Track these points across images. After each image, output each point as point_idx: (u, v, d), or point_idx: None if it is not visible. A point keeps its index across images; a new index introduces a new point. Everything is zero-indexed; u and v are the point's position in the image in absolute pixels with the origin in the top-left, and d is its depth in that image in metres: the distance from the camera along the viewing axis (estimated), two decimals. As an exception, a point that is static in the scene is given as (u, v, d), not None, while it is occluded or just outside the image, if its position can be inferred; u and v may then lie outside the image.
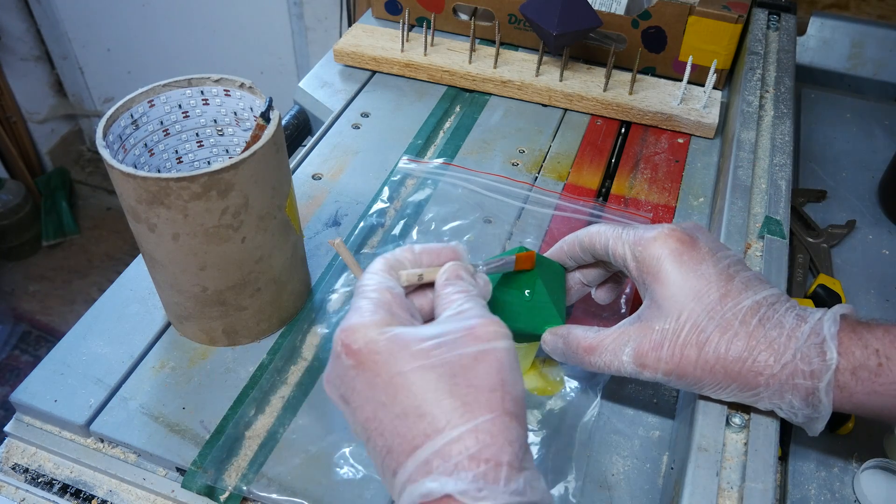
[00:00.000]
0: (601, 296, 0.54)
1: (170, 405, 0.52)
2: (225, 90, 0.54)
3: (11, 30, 1.94)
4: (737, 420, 0.44)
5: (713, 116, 0.77)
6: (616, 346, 0.45)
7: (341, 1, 1.55)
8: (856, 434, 0.53)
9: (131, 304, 0.59)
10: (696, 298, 0.42)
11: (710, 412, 0.45)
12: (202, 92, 0.54)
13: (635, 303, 0.60)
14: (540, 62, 0.81)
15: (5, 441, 0.53)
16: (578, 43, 0.83)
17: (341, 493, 0.47)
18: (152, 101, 0.52)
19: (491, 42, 0.87)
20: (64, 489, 0.50)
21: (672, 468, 0.48)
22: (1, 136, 1.96)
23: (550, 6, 0.75)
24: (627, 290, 0.61)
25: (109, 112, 0.49)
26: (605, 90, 0.80)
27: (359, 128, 0.78)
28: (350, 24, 1.51)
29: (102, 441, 0.51)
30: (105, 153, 0.46)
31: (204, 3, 1.74)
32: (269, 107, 0.50)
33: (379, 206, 0.68)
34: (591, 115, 0.81)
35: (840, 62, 0.93)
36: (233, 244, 0.49)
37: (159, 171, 0.48)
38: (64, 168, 2.18)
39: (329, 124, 0.78)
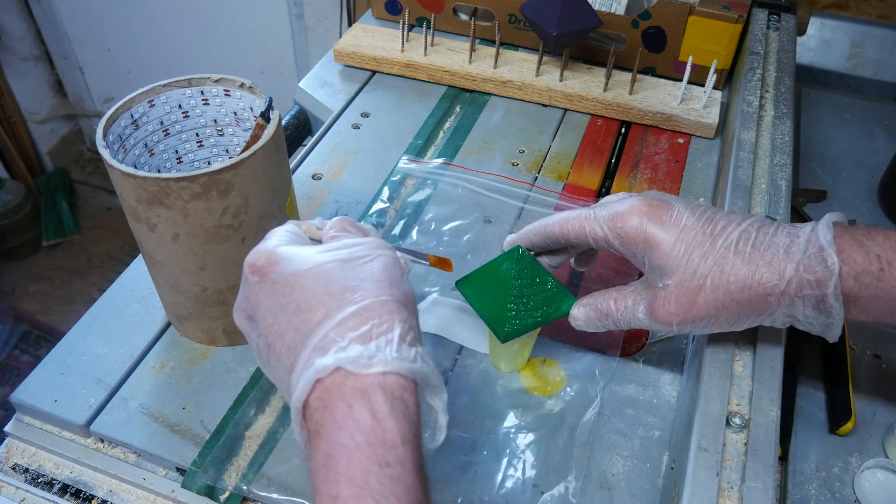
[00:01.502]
0: (581, 266, 0.56)
1: (170, 405, 0.52)
2: (225, 90, 0.54)
3: (11, 30, 1.94)
4: (737, 420, 0.44)
5: (713, 116, 0.77)
6: (632, 305, 0.47)
7: (341, 1, 1.55)
8: (856, 434, 0.53)
9: (131, 304, 0.59)
10: (687, 248, 0.44)
11: (710, 412, 0.45)
12: (202, 92, 0.54)
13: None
14: (540, 62, 0.81)
15: (5, 441, 0.53)
16: (578, 43, 0.83)
17: (341, 493, 0.47)
18: (152, 101, 0.52)
19: (491, 42, 0.87)
20: (64, 489, 0.50)
21: (672, 468, 0.48)
22: (1, 136, 1.96)
23: (550, 6, 0.75)
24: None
25: (109, 112, 0.49)
26: (605, 90, 0.80)
27: (359, 128, 0.78)
28: (350, 24, 1.51)
29: (102, 441, 0.51)
30: (105, 153, 0.46)
31: (204, 3, 1.74)
32: (269, 106, 0.50)
33: (379, 206, 0.68)
34: (591, 115, 0.81)
35: (840, 62, 0.93)
36: (233, 244, 0.49)
37: (159, 172, 0.48)
38: (64, 168, 2.18)
39: (329, 124, 0.78)
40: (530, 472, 0.49)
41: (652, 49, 0.83)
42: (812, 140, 0.81)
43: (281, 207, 0.51)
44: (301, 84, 0.85)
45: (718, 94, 0.80)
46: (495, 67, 0.82)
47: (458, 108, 0.81)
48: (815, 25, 0.93)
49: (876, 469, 0.51)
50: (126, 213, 0.49)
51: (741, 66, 0.79)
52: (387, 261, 0.39)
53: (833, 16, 0.94)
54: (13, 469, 0.51)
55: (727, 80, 0.84)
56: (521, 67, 0.83)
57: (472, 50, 0.83)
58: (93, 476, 0.51)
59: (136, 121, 0.52)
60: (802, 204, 0.72)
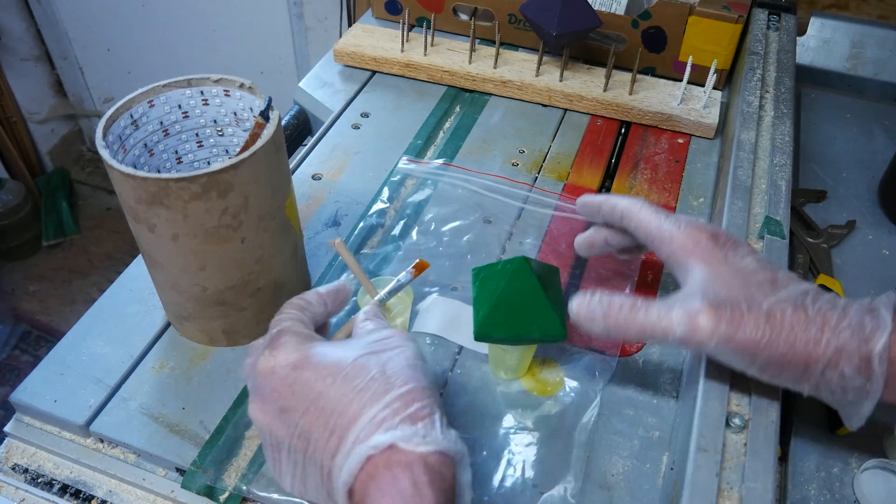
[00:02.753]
0: (623, 255, 0.58)
1: (170, 405, 0.52)
2: (225, 90, 0.54)
3: (11, 30, 1.94)
4: (737, 421, 0.44)
5: (713, 116, 0.77)
6: (665, 304, 0.44)
7: (341, 1, 1.55)
8: (856, 434, 0.53)
9: (131, 304, 0.59)
10: (744, 281, 0.43)
11: (710, 412, 0.45)
12: (202, 92, 0.54)
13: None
14: (540, 62, 0.81)
15: (5, 441, 0.53)
16: (578, 43, 0.83)
17: (341, 494, 0.47)
18: (152, 101, 0.52)
19: (491, 42, 0.87)
20: (64, 489, 0.50)
21: (672, 468, 0.48)
22: (1, 136, 1.96)
23: (550, 6, 0.75)
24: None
25: (109, 112, 0.49)
26: (605, 90, 0.80)
27: (359, 128, 0.78)
28: (350, 24, 1.51)
29: (102, 441, 0.51)
30: (105, 153, 0.46)
31: (204, 3, 1.74)
32: (269, 106, 0.50)
33: (379, 206, 0.68)
34: (591, 115, 0.81)
35: (840, 62, 0.92)
36: (232, 244, 0.49)
37: (159, 172, 0.48)
38: (64, 168, 2.18)
39: (329, 124, 0.78)
40: (530, 473, 0.49)
41: (652, 49, 0.83)
42: (812, 140, 0.81)
43: (280, 208, 0.51)
44: (301, 84, 0.85)
45: (718, 95, 0.80)
46: (495, 67, 0.82)
47: (457, 108, 0.81)
48: (815, 25, 0.93)
49: (876, 469, 0.51)
50: (126, 213, 0.48)
51: (741, 67, 0.79)
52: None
53: (833, 16, 0.93)
54: (13, 469, 0.51)
55: (727, 80, 0.84)
56: (520, 67, 0.83)
57: (472, 50, 0.83)
58: (92, 476, 0.51)
59: (135, 121, 0.52)
60: (802, 204, 0.72)
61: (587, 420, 0.52)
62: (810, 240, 0.68)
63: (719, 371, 0.47)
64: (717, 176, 0.73)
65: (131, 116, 0.51)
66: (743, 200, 0.60)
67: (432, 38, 0.84)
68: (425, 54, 0.84)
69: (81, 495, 0.50)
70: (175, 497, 0.49)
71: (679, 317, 0.43)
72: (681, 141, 0.78)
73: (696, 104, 0.78)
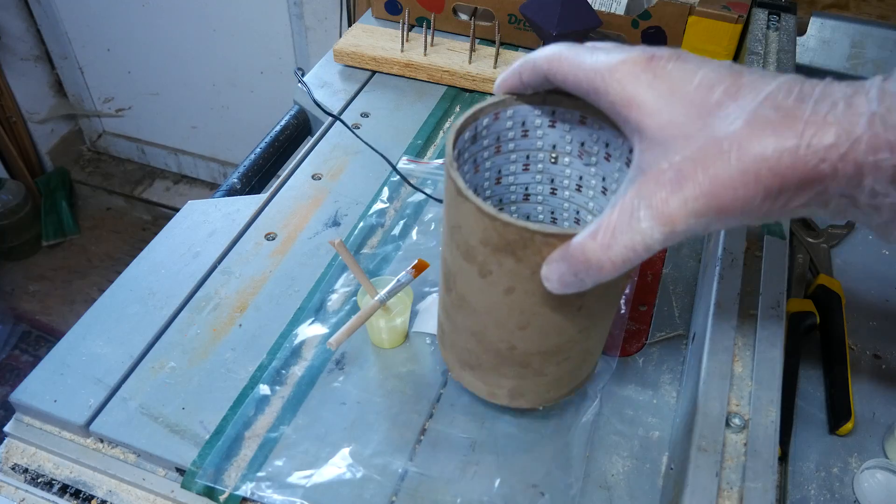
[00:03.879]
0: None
1: (169, 405, 0.52)
2: (582, 117, 0.45)
3: (11, 30, 1.94)
4: (736, 420, 0.44)
5: (713, 116, 0.77)
6: (627, 218, 0.34)
7: (341, 1, 1.55)
8: (855, 434, 0.53)
9: (131, 304, 0.59)
10: (702, 105, 0.32)
11: (710, 412, 0.45)
12: (553, 112, 0.45)
13: (635, 302, 0.60)
14: (540, 62, 0.81)
15: (5, 441, 0.53)
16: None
17: (341, 493, 0.47)
18: (498, 113, 0.45)
19: (491, 42, 0.87)
20: (63, 489, 0.50)
21: (672, 468, 0.48)
22: (1, 136, 1.96)
23: (550, 6, 0.75)
24: (627, 291, 0.61)
25: (459, 122, 0.42)
26: (605, 90, 0.79)
27: (359, 128, 0.78)
28: (350, 24, 1.51)
29: (102, 441, 0.51)
30: (457, 177, 0.38)
31: (204, 3, 1.74)
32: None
33: (379, 206, 0.68)
34: (591, 115, 0.80)
35: (840, 62, 0.92)
36: (568, 310, 0.42)
37: (476, 192, 0.41)
38: (64, 168, 2.18)
39: (329, 124, 0.78)
40: (529, 473, 0.49)
41: (652, 49, 0.83)
42: (812, 140, 0.81)
43: (628, 275, 0.43)
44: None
45: (718, 94, 0.80)
46: (495, 67, 0.82)
47: (457, 108, 0.81)
48: (814, 25, 0.93)
49: (875, 469, 0.51)
50: (452, 243, 0.42)
51: (741, 66, 0.79)
52: None
53: (833, 16, 0.93)
54: (13, 469, 0.51)
55: (727, 80, 0.84)
56: (520, 67, 0.83)
57: (472, 50, 0.83)
58: (92, 476, 0.51)
59: (477, 133, 0.45)
60: (802, 204, 0.72)
61: (587, 420, 0.52)
62: (810, 240, 0.68)
63: (719, 371, 0.47)
64: (717, 176, 0.73)
65: (476, 128, 0.44)
66: (743, 200, 0.60)
67: (432, 38, 0.84)
68: (425, 54, 0.84)
69: (81, 495, 0.50)
70: (175, 497, 0.49)
71: (648, 225, 0.33)
72: (681, 141, 0.77)
73: (696, 104, 0.78)
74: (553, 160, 0.48)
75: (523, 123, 0.46)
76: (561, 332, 0.43)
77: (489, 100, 0.44)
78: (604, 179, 0.47)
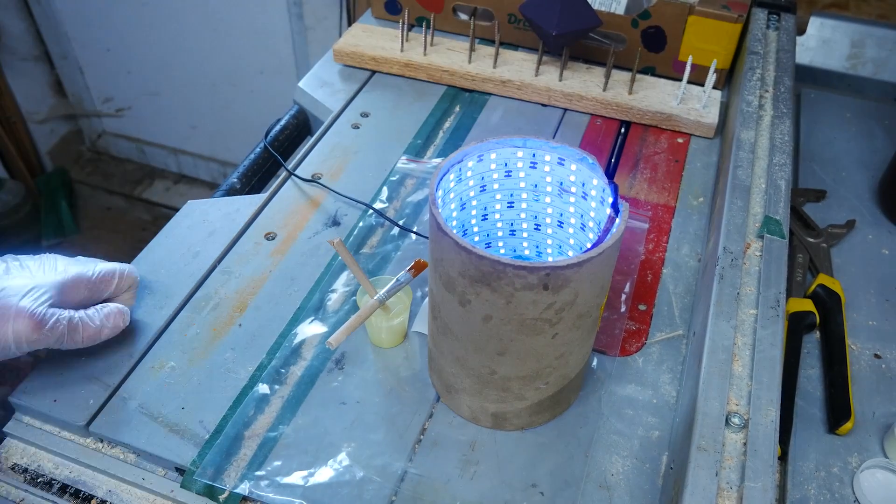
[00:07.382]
0: None
1: (169, 405, 0.52)
2: (561, 158, 0.49)
3: (11, 30, 1.94)
4: (736, 420, 0.44)
5: (713, 116, 0.77)
6: None
7: (341, 1, 1.55)
8: (855, 434, 0.53)
9: (131, 304, 0.59)
10: None
11: (710, 412, 0.45)
12: (534, 155, 0.50)
13: (635, 302, 0.60)
14: (539, 62, 0.81)
15: (5, 441, 0.53)
16: (578, 43, 0.83)
17: (340, 494, 0.47)
18: (482, 156, 0.49)
19: (491, 42, 0.87)
20: (63, 489, 0.50)
21: (671, 468, 0.48)
22: (1, 136, 1.96)
23: (550, 6, 0.75)
24: (627, 290, 0.61)
25: (441, 164, 0.47)
26: (604, 90, 0.80)
27: (358, 128, 0.78)
28: (350, 24, 1.51)
29: (102, 441, 0.51)
30: (438, 215, 0.43)
31: (204, 3, 1.74)
32: (617, 195, 0.45)
33: (378, 206, 0.68)
34: (591, 114, 0.81)
35: (840, 62, 0.92)
36: (543, 338, 0.45)
37: (464, 228, 0.45)
38: (64, 168, 2.18)
39: (329, 124, 0.78)
40: (529, 473, 0.49)
41: (652, 49, 0.83)
42: (812, 140, 0.81)
43: (599, 305, 0.46)
44: (301, 84, 0.85)
45: (718, 94, 0.80)
46: (495, 67, 0.82)
47: (457, 108, 0.81)
48: (814, 25, 0.93)
49: (875, 469, 0.51)
50: (436, 275, 0.45)
51: (741, 66, 0.79)
52: None
53: (833, 16, 0.93)
54: (13, 469, 0.51)
55: (727, 79, 0.84)
56: (520, 67, 0.83)
57: (472, 50, 0.83)
58: (92, 476, 0.51)
59: (461, 175, 0.49)
60: (802, 203, 0.72)
61: (586, 420, 0.52)
62: (810, 239, 0.68)
63: (719, 370, 0.47)
64: (717, 175, 0.73)
65: (460, 170, 0.48)
66: (742, 200, 0.60)
67: (432, 38, 0.84)
68: (425, 54, 0.84)
69: (81, 495, 0.50)
70: (175, 497, 0.49)
71: None
72: (680, 140, 0.78)
73: (696, 104, 0.78)
74: (535, 198, 0.52)
75: (506, 164, 0.50)
76: (539, 358, 0.46)
77: (472, 145, 0.48)
78: (581, 217, 0.51)
